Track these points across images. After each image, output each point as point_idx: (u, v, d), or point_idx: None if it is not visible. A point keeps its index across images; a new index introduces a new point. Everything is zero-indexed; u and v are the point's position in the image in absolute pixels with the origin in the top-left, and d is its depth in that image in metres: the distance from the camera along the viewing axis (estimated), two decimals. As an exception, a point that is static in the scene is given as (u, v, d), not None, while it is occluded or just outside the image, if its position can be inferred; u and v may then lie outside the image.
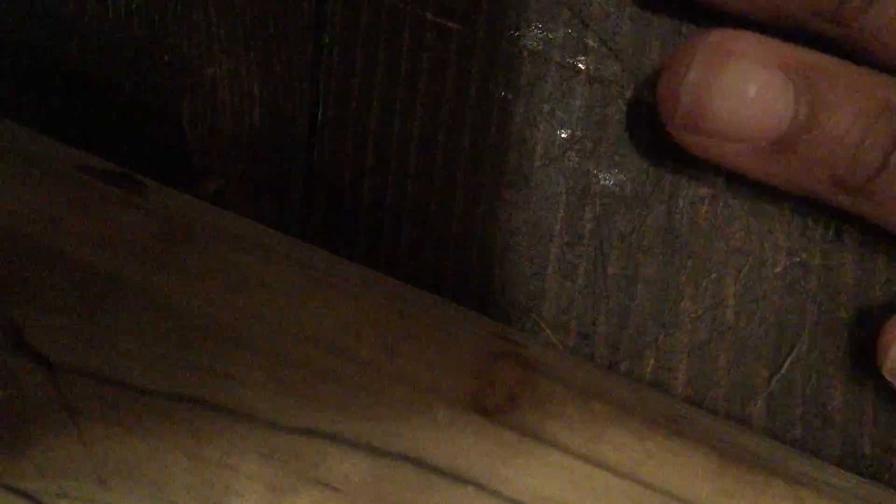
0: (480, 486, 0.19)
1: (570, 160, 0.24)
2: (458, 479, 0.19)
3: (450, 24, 0.24)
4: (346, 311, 0.20)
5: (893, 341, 0.22)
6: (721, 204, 0.24)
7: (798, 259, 0.24)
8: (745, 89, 0.21)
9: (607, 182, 0.24)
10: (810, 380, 0.24)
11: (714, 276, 0.24)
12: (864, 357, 0.24)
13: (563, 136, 0.24)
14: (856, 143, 0.21)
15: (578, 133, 0.24)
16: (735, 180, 0.24)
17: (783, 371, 0.24)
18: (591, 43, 0.24)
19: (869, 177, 0.21)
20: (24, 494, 0.20)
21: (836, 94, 0.21)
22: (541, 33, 0.24)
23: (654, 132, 0.24)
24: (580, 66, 0.24)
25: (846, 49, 0.22)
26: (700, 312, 0.24)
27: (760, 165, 0.22)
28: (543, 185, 0.24)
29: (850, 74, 0.21)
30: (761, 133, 0.21)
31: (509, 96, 0.24)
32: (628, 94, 0.24)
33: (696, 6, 0.23)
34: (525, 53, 0.24)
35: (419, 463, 0.19)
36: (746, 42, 0.21)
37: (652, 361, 0.24)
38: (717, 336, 0.24)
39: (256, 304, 0.20)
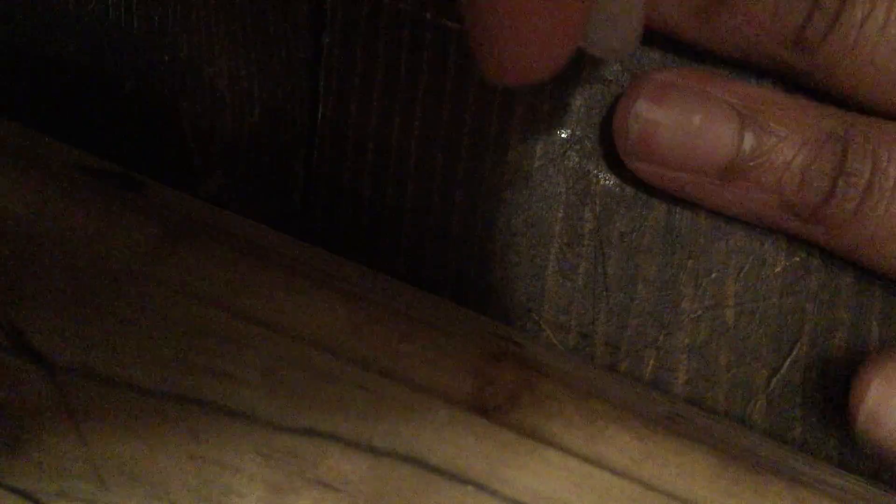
0: (480, 486, 0.19)
1: (570, 160, 0.24)
2: (458, 479, 0.19)
3: (450, 24, 0.24)
4: (346, 311, 0.20)
5: (862, 399, 0.22)
6: (721, 204, 0.24)
7: (798, 259, 0.24)
8: (689, 118, 0.22)
9: (607, 182, 0.24)
10: (810, 380, 0.24)
11: (714, 276, 0.24)
12: (864, 357, 0.24)
13: (563, 136, 0.24)
14: (802, 170, 0.22)
15: (578, 133, 0.24)
16: (735, 180, 0.24)
17: (783, 371, 0.24)
18: (591, 43, 0.24)
19: (818, 203, 0.22)
20: (24, 494, 0.20)
21: (781, 123, 0.22)
22: (541, 33, 0.24)
23: (654, 132, 0.24)
24: (580, 65, 0.24)
25: (812, 80, 0.22)
26: (700, 312, 0.24)
27: (712, 194, 0.23)
28: (543, 185, 0.24)
29: (796, 106, 0.22)
30: (708, 160, 0.22)
31: (509, 96, 0.24)
32: (628, 94, 0.24)
33: (671, 39, 0.23)
34: (525, 53, 0.24)
35: (419, 463, 0.19)
36: (692, 76, 0.22)
37: (652, 361, 0.24)
38: (717, 336, 0.24)
39: (256, 304, 0.20)
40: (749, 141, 0.22)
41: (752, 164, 0.22)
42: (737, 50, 0.22)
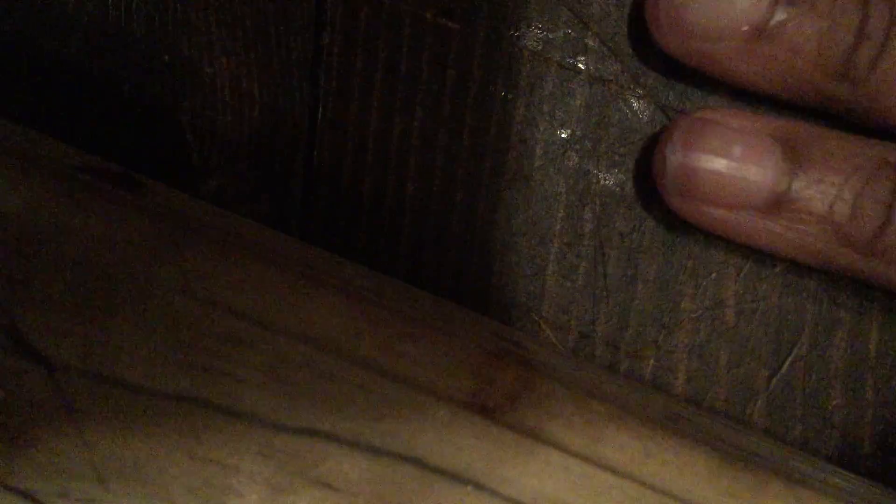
0: (480, 486, 0.19)
1: (570, 160, 0.24)
2: (458, 479, 0.19)
3: (450, 24, 0.24)
4: (346, 311, 0.20)
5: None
6: (721, 204, 0.24)
7: (798, 259, 0.24)
8: (729, 149, 0.21)
9: (607, 182, 0.24)
10: (810, 380, 0.24)
11: (714, 276, 0.24)
12: (864, 357, 0.24)
13: (563, 136, 0.24)
14: (854, 198, 0.21)
15: (578, 133, 0.24)
16: (735, 180, 0.24)
17: (783, 371, 0.24)
18: (591, 43, 0.24)
19: (875, 232, 0.21)
20: (24, 494, 0.20)
21: (827, 152, 0.21)
22: (541, 33, 0.24)
23: (654, 131, 0.24)
24: (580, 66, 0.24)
25: (859, 114, 0.21)
26: (700, 312, 0.24)
27: (759, 230, 0.22)
28: (543, 185, 0.24)
29: (840, 136, 0.21)
30: (751, 193, 0.21)
31: (509, 96, 0.24)
32: (628, 94, 0.24)
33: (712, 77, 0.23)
34: (525, 53, 0.24)
35: (419, 463, 0.19)
36: (731, 114, 0.22)
37: (652, 361, 0.24)
38: (717, 336, 0.24)
39: (256, 304, 0.20)
40: (793, 170, 0.21)
41: (797, 194, 0.21)
42: (780, 85, 0.22)
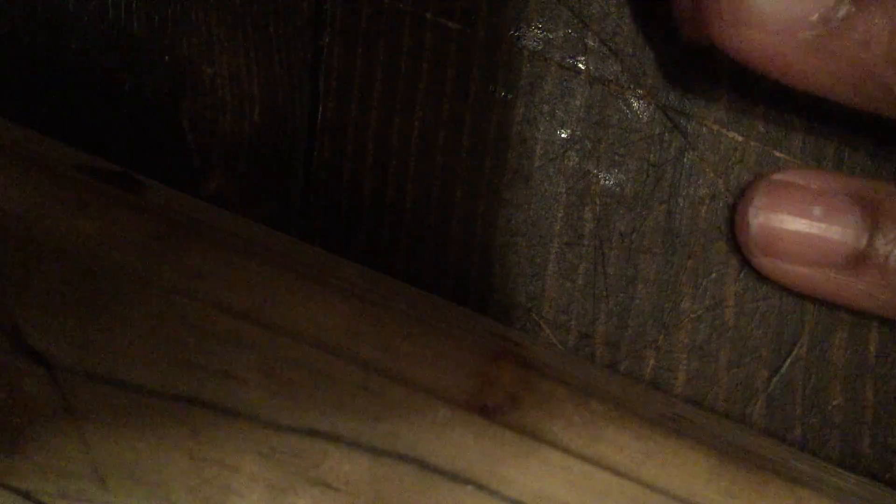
0: (480, 486, 0.19)
1: (570, 160, 0.24)
2: (458, 479, 0.19)
3: (450, 24, 0.24)
4: (346, 311, 0.20)
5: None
6: (721, 204, 0.24)
7: (798, 259, 0.24)
8: (809, 209, 0.22)
9: (607, 182, 0.24)
10: (810, 380, 0.24)
11: (714, 276, 0.24)
12: (864, 357, 0.24)
13: (563, 136, 0.24)
14: None
15: (578, 133, 0.24)
16: (735, 181, 0.24)
17: (783, 371, 0.24)
18: (591, 43, 0.24)
19: None
20: (24, 494, 0.20)
21: None
22: (541, 33, 0.24)
23: (654, 131, 0.24)
24: (580, 66, 0.24)
25: None
26: (700, 312, 0.24)
27: (845, 287, 0.22)
28: (543, 185, 0.24)
29: None
30: (833, 251, 0.22)
31: (509, 96, 0.24)
32: (628, 94, 0.24)
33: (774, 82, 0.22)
34: (525, 53, 0.24)
35: (419, 463, 0.19)
36: (810, 174, 0.22)
37: (652, 361, 0.24)
38: (717, 336, 0.24)
39: (256, 304, 0.20)
40: (873, 227, 0.21)
41: (878, 250, 0.21)
42: (848, 84, 0.20)
